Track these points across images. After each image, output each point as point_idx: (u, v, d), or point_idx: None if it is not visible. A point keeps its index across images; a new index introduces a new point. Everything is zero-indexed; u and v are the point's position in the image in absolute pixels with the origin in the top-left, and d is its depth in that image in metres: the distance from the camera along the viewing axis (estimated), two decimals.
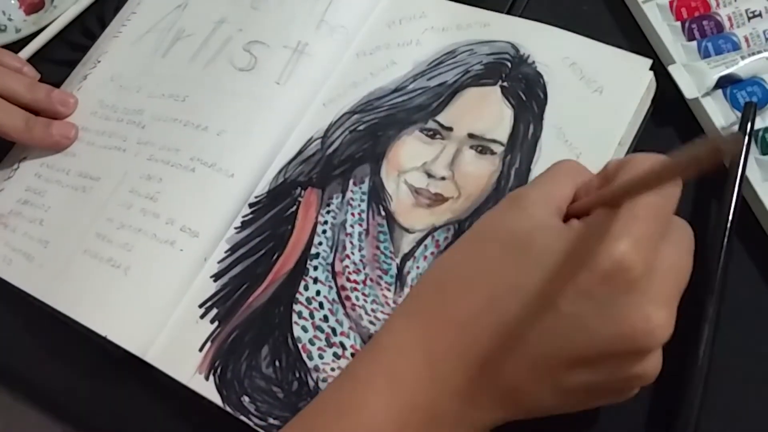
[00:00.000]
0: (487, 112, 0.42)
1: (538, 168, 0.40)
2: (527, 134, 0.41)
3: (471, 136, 0.42)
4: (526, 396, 0.31)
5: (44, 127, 0.48)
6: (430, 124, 0.43)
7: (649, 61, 0.41)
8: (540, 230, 0.31)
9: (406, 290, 0.39)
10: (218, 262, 0.42)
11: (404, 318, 0.33)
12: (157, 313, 0.41)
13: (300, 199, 0.43)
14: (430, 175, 0.42)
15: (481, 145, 0.42)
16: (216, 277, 0.42)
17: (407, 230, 0.41)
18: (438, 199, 0.41)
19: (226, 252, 0.42)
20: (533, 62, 0.43)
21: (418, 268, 0.40)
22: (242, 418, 0.37)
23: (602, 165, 0.39)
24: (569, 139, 0.41)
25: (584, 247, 0.29)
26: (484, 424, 0.32)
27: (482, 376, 0.31)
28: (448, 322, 0.31)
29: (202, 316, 0.40)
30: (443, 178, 0.41)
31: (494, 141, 0.42)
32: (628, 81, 0.41)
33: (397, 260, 0.40)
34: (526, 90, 0.42)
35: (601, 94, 0.41)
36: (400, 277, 0.40)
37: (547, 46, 0.43)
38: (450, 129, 0.43)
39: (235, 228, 0.43)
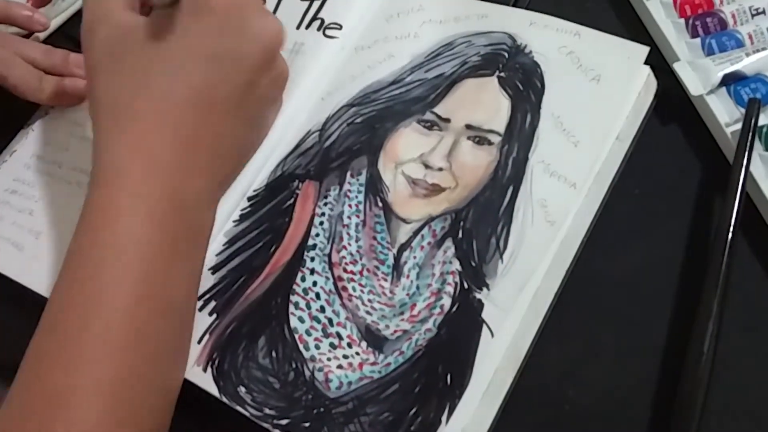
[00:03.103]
0: (485, 102, 0.42)
1: (535, 157, 0.40)
2: (525, 124, 0.41)
3: (468, 127, 0.42)
4: (227, 137, 0.39)
5: (56, 85, 0.49)
6: (428, 116, 0.43)
7: (646, 49, 0.41)
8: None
9: (403, 280, 0.39)
10: (216, 255, 0.42)
11: (109, 143, 0.37)
12: None
13: (298, 191, 0.43)
14: (427, 166, 0.41)
15: (478, 135, 0.42)
16: (214, 269, 0.41)
17: (404, 220, 0.41)
18: (435, 190, 0.41)
19: (224, 245, 0.42)
20: (530, 52, 0.43)
21: (414, 257, 0.39)
22: (238, 408, 0.37)
23: (600, 154, 0.40)
24: (567, 127, 0.40)
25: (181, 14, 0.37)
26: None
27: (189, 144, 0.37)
28: (144, 119, 0.37)
29: (201, 309, 0.40)
30: (440, 169, 0.41)
31: (492, 131, 0.41)
32: (625, 69, 0.41)
33: (394, 250, 0.40)
34: (523, 80, 0.42)
35: (598, 82, 0.41)
36: (396, 267, 0.39)
37: (544, 35, 0.43)
38: (447, 120, 0.42)
39: (233, 221, 0.43)
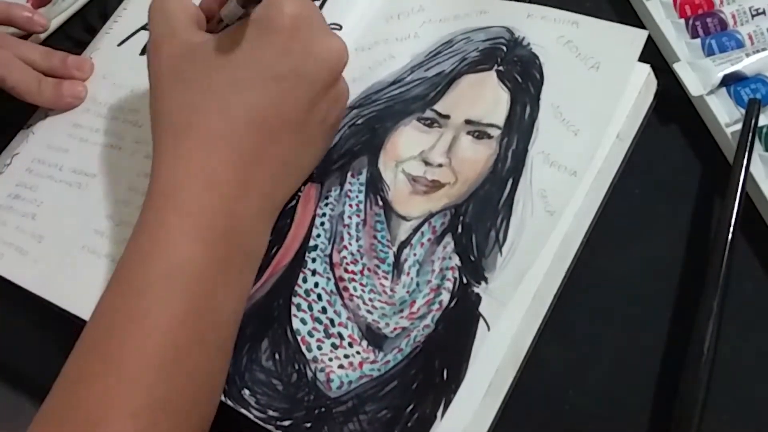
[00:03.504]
0: (484, 97, 0.42)
1: (535, 148, 0.40)
2: (524, 116, 0.41)
3: (468, 122, 0.42)
4: (286, 157, 0.38)
5: (54, 87, 0.49)
6: (428, 113, 0.43)
7: (645, 32, 0.40)
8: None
9: (403, 278, 0.39)
10: None
11: (166, 160, 0.36)
12: None
13: (300, 193, 0.43)
14: (427, 163, 0.41)
15: (477, 130, 0.41)
16: None
17: (404, 218, 0.40)
18: (435, 186, 0.41)
19: None
20: (528, 44, 0.42)
21: (414, 255, 0.39)
22: (242, 410, 0.38)
23: (601, 140, 0.39)
24: (567, 117, 0.40)
25: (253, 30, 0.36)
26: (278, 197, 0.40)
27: (259, 163, 0.37)
28: (205, 137, 0.36)
29: None
30: (440, 165, 0.41)
31: (491, 125, 0.41)
32: (626, 54, 0.40)
33: (394, 248, 0.40)
34: (522, 72, 0.42)
35: (597, 69, 0.40)
36: (397, 266, 0.39)
37: (542, 26, 0.42)
38: (447, 117, 0.42)
39: None
